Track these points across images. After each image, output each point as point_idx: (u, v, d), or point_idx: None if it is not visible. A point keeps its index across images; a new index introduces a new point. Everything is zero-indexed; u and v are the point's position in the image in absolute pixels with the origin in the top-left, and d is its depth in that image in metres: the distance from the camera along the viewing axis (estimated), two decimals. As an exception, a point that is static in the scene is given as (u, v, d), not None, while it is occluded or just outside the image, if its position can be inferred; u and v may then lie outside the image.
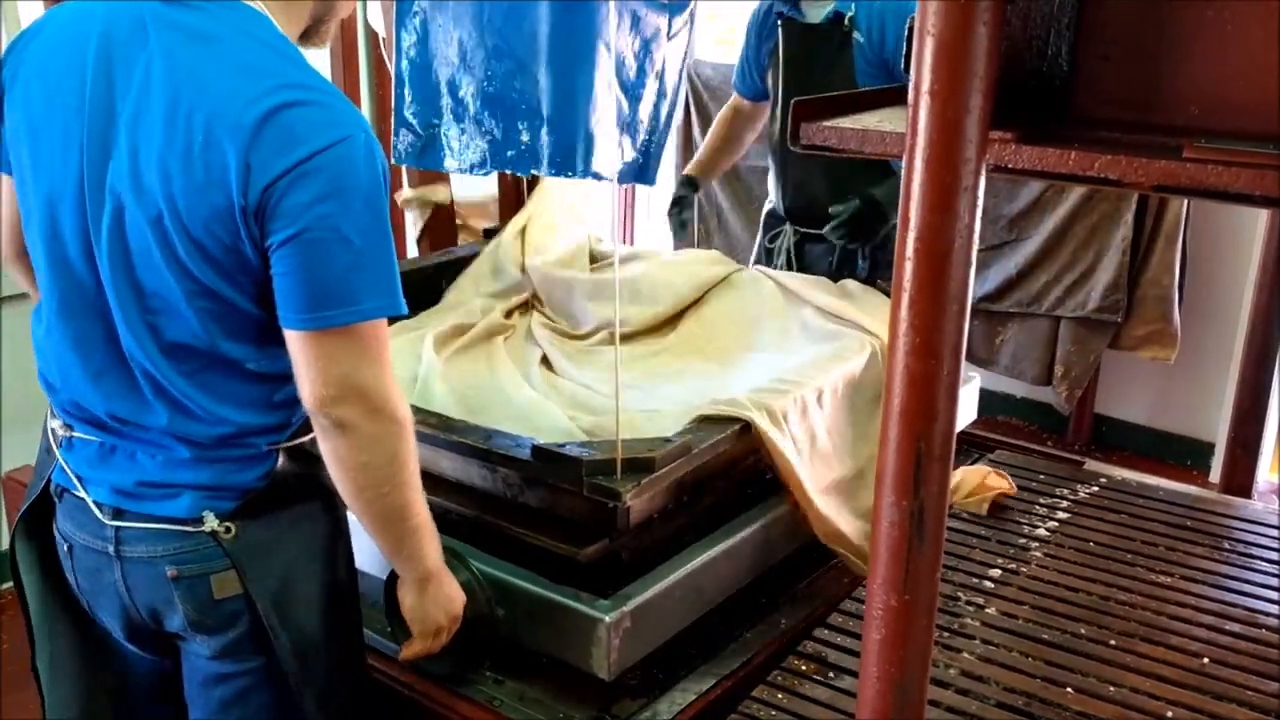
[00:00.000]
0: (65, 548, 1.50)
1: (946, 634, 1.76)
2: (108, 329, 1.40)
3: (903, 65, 2.92)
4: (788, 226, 2.88)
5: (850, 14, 2.58)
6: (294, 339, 1.33)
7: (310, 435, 1.44)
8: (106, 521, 1.43)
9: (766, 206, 3.03)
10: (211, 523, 1.40)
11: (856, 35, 2.60)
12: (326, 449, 1.40)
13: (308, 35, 1.47)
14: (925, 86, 0.90)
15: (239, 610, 1.45)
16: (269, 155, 1.26)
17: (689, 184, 2.95)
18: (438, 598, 1.57)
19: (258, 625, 1.45)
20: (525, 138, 1.93)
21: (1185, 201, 3.12)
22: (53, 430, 1.51)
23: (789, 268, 2.82)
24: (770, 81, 2.81)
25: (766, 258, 2.95)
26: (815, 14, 2.65)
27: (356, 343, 1.33)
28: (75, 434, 1.48)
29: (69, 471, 1.47)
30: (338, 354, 1.32)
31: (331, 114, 1.31)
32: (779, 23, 2.71)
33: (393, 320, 1.39)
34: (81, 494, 1.45)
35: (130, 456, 1.44)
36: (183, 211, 1.29)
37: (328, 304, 1.30)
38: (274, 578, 1.45)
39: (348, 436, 1.36)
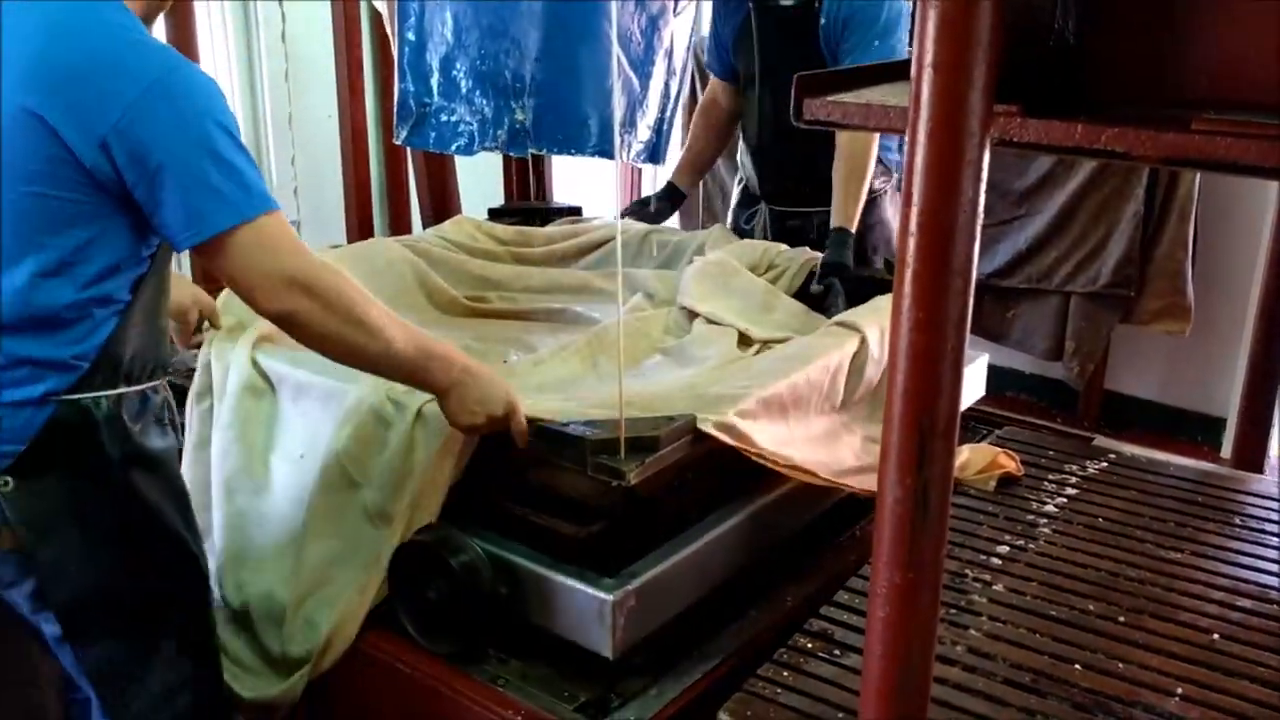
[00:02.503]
0: None
1: (953, 611, 1.75)
2: None
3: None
4: (763, 206, 2.87)
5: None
6: (196, 256, 1.49)
7: (93, 394, 1.51)
8: None
9: (737, 186, 3.01)
10: None
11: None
12: (295, 339, 1.59)
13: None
14: (928, 60, 0.88)
15: (23, 563, 1.53)
16: (100, 103, 1.40)
17: (671, 195, 2.91)
18: (464, 404, 1.68)
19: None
20: (520, 116, 1.92)
21: (1197, 175, 3.09)
22: None
23: None
24: (742, 62, 2.78)
25: (741, 237, 2.94)
26: None
27: (244, 241, 1.47)
28: None
29: None
30: (233, 256, 1.47)
31: (146, 55, 1.46)
32: (750, 2, 2.69)
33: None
34: None
35: None
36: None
37: (202, 218, 1.45)
38: (47, 536, 1.51)
39: (291, 322, 1.52)
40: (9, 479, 1.48)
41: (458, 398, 1.68)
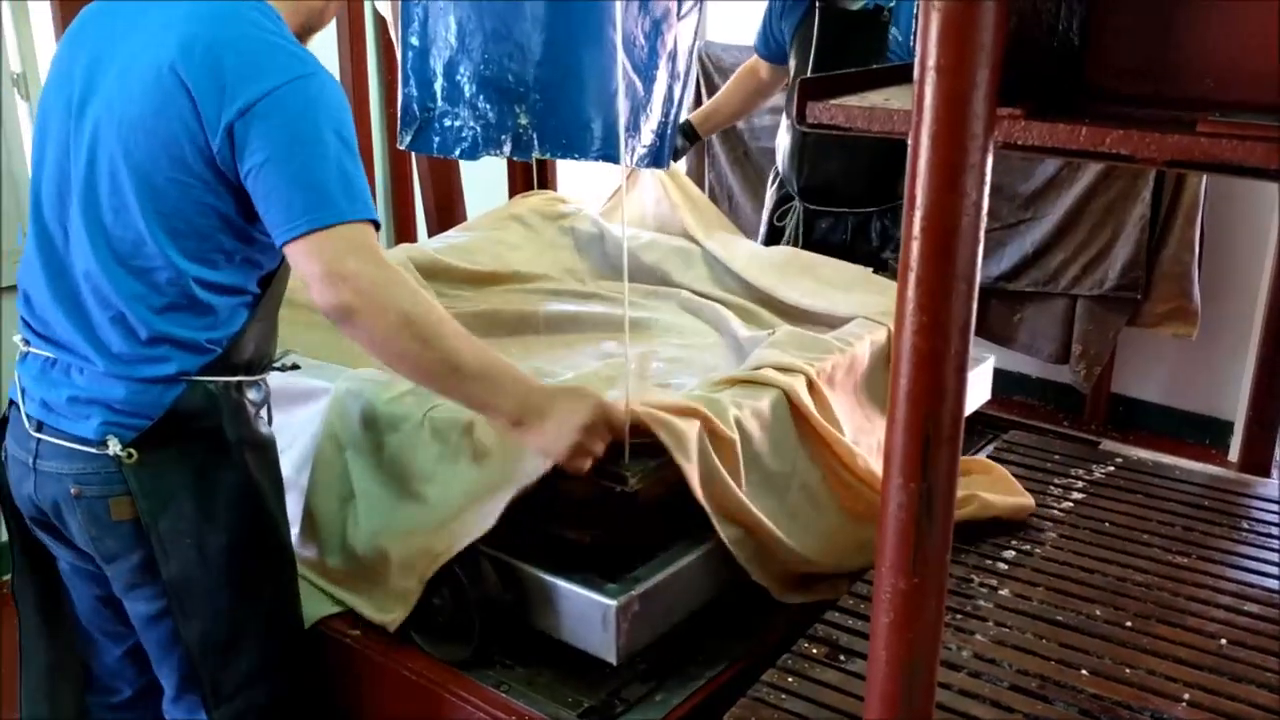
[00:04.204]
0: (2, 457, 1.66)
1: (959, 616, 1.75)
2: (68, 253, 1.55)
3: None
4: (797, 203, 2.86)
5: (890, 6, 2.57)
6: (287, 251, 1.49)
7: (219, 379, 1.57)
8: (31, 433, 1.57)
9: (773, 183, 3.01)
10: (115, 447, 1.52)
11: (894, 31, 2.59)
12: (351, 338, 1.53)
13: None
14: (931, 62, 0.88)
15: (134, 535, 1.57)
16: (236, 88, 1.44)
17: (685, 134, 2.93)
18: (545, 432, 1.60)
19: (152, 552, 1.56)
20: (523, 121, 1.92)
21: (1203, 178, 3.08)
22: (15, 345, 1.63)
23: (796, 244, 2.81)
24: (796, 59, 2.78)
25: (774, 236, 2.94)
26: (854, 0, 2.63)
27: (329, 239, 1.46)
28: (30, 349, 1.60)
29: (18, 384, 1.60)
30: (312, 254, 1.46)
31: (291, 55, 1.49)
32: (816, 3, 2.68)
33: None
34: (20, 405, 1.59)
35: (66, 371, 1.56)
36: (146, 136, 1.47)
37: (304, 213, 1.45)
38: (165, 508, 1.56)
39: (349, 321, 1.48)
40: (133, 451, 1.52)
41: (538, 428, 1.60)
